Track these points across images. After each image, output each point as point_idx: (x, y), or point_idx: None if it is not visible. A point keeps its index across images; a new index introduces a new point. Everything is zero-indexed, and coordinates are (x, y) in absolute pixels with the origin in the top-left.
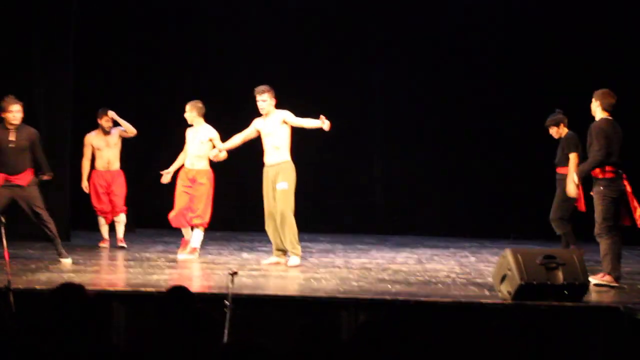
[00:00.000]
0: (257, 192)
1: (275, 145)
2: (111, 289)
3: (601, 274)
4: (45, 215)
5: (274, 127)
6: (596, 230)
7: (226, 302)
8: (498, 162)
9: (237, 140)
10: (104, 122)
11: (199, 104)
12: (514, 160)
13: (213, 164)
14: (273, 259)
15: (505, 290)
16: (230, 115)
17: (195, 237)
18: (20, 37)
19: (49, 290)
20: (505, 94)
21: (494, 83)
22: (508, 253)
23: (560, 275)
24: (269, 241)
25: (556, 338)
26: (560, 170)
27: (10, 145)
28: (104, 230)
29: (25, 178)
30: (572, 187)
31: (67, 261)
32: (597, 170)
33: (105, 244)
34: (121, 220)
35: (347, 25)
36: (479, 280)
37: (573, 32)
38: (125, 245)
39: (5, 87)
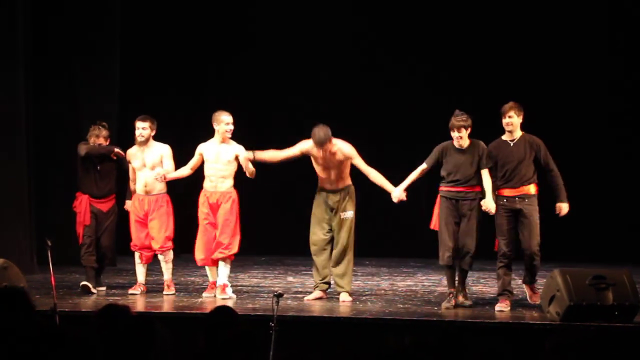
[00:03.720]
0: (302, 215)
1: (339, 174)
2: (156, 311)
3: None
4: None
5: (336, 161)
6: (536, 250)
7: (271, 324)
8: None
9: (276, 157)
10: (136, 130)
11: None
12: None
13: (238, 185)
14: (318, 293)
15: (553, 311)
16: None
17: (222, 272)
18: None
19: (95, 311)
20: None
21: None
22: (557, 274)
23: (610, 295)
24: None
25: None
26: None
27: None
28: (139, 271)
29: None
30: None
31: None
32: (536, 186)
33: (136, 290)
34: (165, 258)
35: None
36: (526, 302)
37: None
38: (173, 292)
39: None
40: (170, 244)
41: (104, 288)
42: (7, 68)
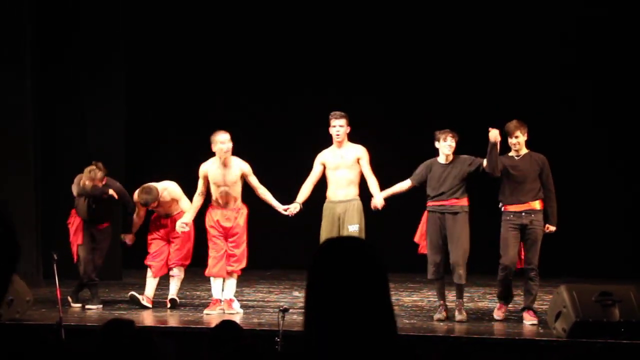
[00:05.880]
0: (309, 228)
1: (350, 178)
2: (162, 325)
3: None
4: None
5: (349, 160)
6: (536, 265)
7: (277, 339)
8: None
9: (309, 188)
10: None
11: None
12: (565, 198)
13: (246, 199)
14: None
15: (560, 328)
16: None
17: (229, 287)
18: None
19: (100, 325)
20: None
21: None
22: (563, 289)
23: (616, 312)
24: None
25: None
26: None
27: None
28: (149, 284)
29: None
30: None
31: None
32: (541, 202)
33: (145, 303)
34: (176, 274)
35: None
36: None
37: None
38: (177, 304)
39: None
40: (182, 260)
41: (79, 305)
42: (16, 89)
